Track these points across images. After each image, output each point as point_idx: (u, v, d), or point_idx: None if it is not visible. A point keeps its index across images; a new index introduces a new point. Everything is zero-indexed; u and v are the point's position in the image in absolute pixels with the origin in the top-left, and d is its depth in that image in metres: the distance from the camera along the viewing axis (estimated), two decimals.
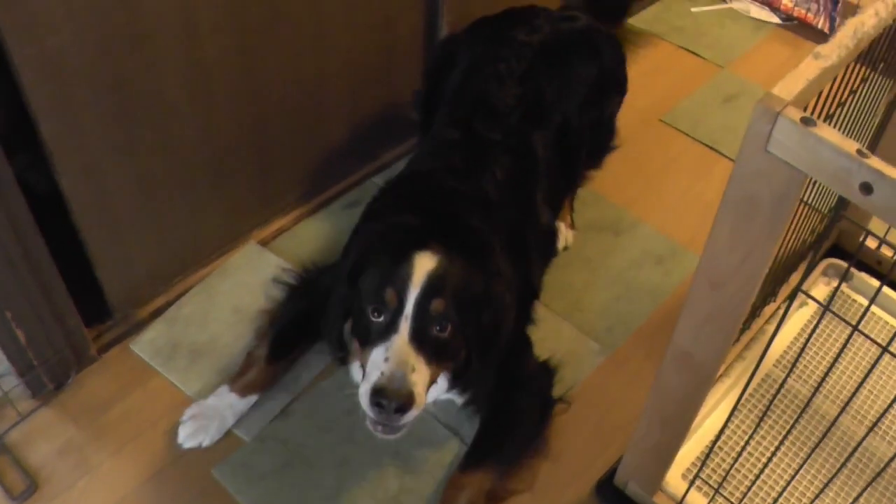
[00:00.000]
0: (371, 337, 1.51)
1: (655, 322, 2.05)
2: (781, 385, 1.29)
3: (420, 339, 1.48)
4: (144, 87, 1.64)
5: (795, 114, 0.99)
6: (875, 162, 0.94)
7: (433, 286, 1.49)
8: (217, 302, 1.99)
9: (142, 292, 1.94)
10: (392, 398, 1.42)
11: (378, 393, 1.43)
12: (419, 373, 1.46)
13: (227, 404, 1.77)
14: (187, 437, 1.74)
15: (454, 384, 1.67)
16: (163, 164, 1.78)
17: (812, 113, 1.26)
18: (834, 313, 1.14)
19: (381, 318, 1.50)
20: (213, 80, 1.77)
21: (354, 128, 2.23)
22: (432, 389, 1.58)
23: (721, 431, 1.45)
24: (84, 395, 1.82)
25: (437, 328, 1.50)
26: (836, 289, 1.15)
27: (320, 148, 2.18)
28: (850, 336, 1.12)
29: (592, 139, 2.17)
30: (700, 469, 1.54)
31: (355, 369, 1.69)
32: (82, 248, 1.75)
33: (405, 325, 1.48)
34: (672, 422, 1.45)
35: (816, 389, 1.25)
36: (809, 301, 1.98)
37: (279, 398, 1.83)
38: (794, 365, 1.29)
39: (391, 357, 1.46)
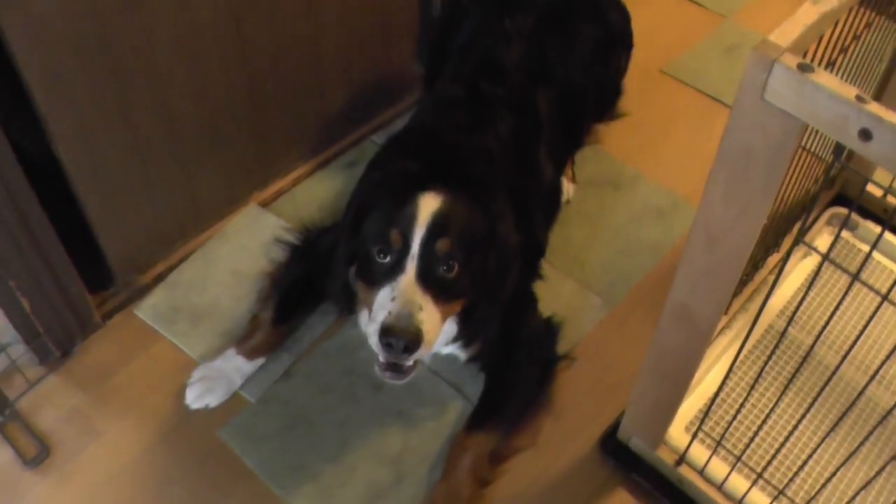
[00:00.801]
0: (377, 278, 1.51)
1: (657, 276, 2.04)
2: (782, 335, 1.28)
3: (426, 279, 1.48)
4: (135, 51, 1.62)
5: (792, 60, 0.97)
6: (874, 107, 0.92)
7: (438, 226, 1.49)
8: (217, 266, 1.99)
9: (143, 258, 1.95)
10: (400, 336, 1.42)
11: (386, 332, 1.43)
12: (427, 312, 1.46)
13: (235, 367, 1.78)
14: (195, 398, 1.76)
15: (461, 331, 1.66)
16: (157, 129, 1.77)
17: (812, 60, 1.24)
18: (834, 262, 1.13)
19: (387, 259, 1.50)
20: (205, 42, 1.75)
21: (351, 87, 2.21)
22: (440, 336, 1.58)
23: (722, 384, 1.44)
24: (90, 360, 1.84)
25: (444, 268, 1.50)
26: (836, 237, 1.14)
27: (317, 109, 2.16)
28: (850, 284, 1.11)
29: (598, 96, 2.16)
30: (702, 422, 1.54)
31: (363, 318, 1.69)
32: (83, 215, 1.75)
33: (411, 265, 1.48)
34: (672, 377, 1.45)
35: (817, 338, 1.24)
36: (813, 252, 1.97)
37: (282, 360, 1.83)
38: (794, 315, 1.28)
39: (398, 296, 1.46)
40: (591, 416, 1.79)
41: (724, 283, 1.23)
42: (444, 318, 1.53)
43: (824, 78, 0.95)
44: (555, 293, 1.98)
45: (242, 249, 2.02)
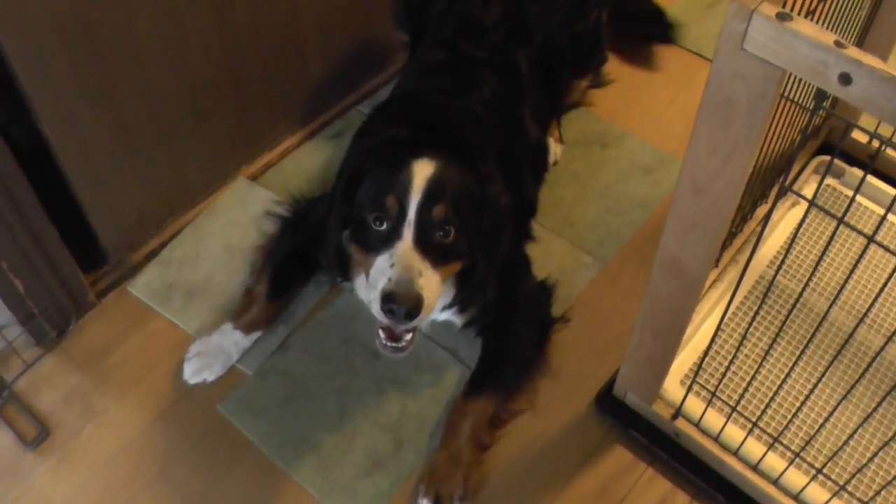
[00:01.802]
0: (373, 244, 1.51)
1: (647, 232, 2.05)
2: (771, 283, 1.29)
3: (424, 244, 1.49)
4: (114, 31, 1.61)
5: (770, 9, 0.97)
6: (853, 52, 0.92)
7: (433, 192, 1.49)
8: (209, 241, 1.99)
9: (135, 235, 1.95)
10: (402, 302, 1.42)
11: (388, 298, 1.43)
12: (426, 277, 1.46)
13: (232, 342, 1.79)
14: (193, 373, 1.77)
15: (458, 295, 1.67)
16: (140, 107, 1.77)
17: (791, 9, 1.24)
18: (819, 207, 1.14)
19: (384, 226, 1.50)
20: (184, 18, 1.74)
21: (333, 59, 2.19)
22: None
23: (715, 335, 1.46)
24: (86, 340, 1.84)
25: (440, 233, 1.51)
26: (821, 182, 1.14)
27: (300, 81, 2.15)
28: (836, 228, 1.12)
29: (578, 51, 2.15)
30: (696, 374, 1.56)
31: (360, 285, 1.69)
32: (72, 195, 1.75)
33: (408, 232, 1.48)
34: (664, 331, 1.46)
35: (806, 284, 1.25)
36: (801, 201, 1.98)
37: (277, 332, 1.84)
38: (782, 262, 1.29)
39: (397, 263, 1.46)
40: (587, 374, 1.80)
41: (713, 233, 1.24)
42: (442, 282, 1.53)
43: (803, 25, 0.95)
44: (546, 254, 1.99)
45: (233, 224, 2.02)
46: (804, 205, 1.98)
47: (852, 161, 2.05)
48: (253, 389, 1.76)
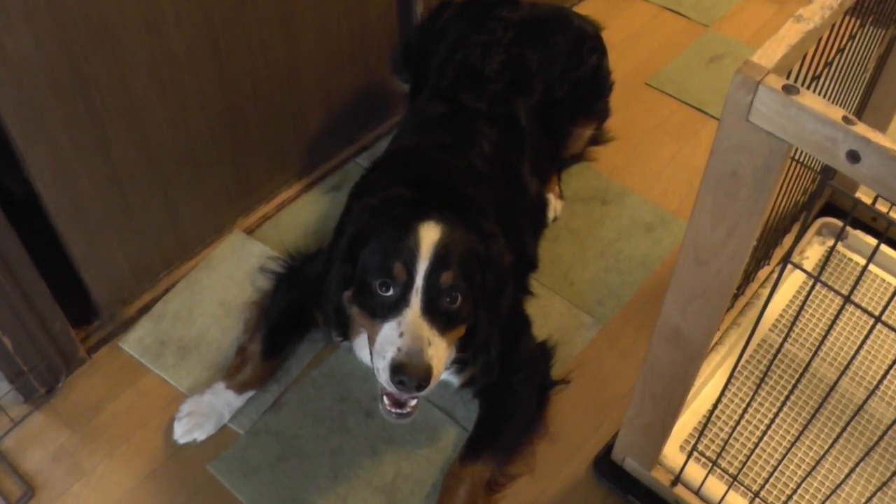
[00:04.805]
0: (379, 311, 1.48)
1: (647, 292, 2.03)
2: (778, 351, 1.26)
3: (432, 312, 1.46)
4: (111, 85, 1.60)
5: (777, 82, 0.95)
6: (861, 129, 0.90)
7: (441, 258, 1.47)
8: (203, 296, 1.96)
9: (127, 290, 1.92)
10: (412, 374, 1.39)
11: (397, 369, 1.40)
12: (435, 346, 1.44)
13: (225, 402, 1.75)
14: (184, 433, 1.73)
15: (459, 354, 1.64)
16: (137, 160, 1.75)
17: (797, 77, 1.23)
18: (824, 283, 1.11)
19: (391, 293, 1.47)
20: (182, 72, 1.73)
21: (332, 110, 2.19)
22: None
23: (717, 402, 1.43)
24: (75, 397, 1.81)
25: (448, 300, 1.48)
26: (827, 257, 1.12)
27: (298, 133, 2.14)
28: (841, 307, 1.09)
29: (575, 95, 2.14)
30: (697, 441, 1.52)
31: (359, 346, 1.67)
32: (64, 250, 1.72)
33: (416, 299, 1.45)
34: (664, 399, 1.43)
35: (813, 355, 1.22)
36: (804, 262, 1.96)
37: (270, 390, 1.81)
38: (789, 331, 1.26)
39: (406, 332, 1.43)
40: (585, 437, 1.77)
41: (715, 305, 1.21)
42: (448, 348, 1.51)
43: (810, 99, 0.93)
44: (545, 312, 1.96)
45: (228, 278, 1.99)
46: (807, 267, 1.95)
47: (856, 222, 2.03)
48: (244, 449, 1.72)
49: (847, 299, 1.06)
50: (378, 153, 2.27)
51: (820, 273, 1.08)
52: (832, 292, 1.89)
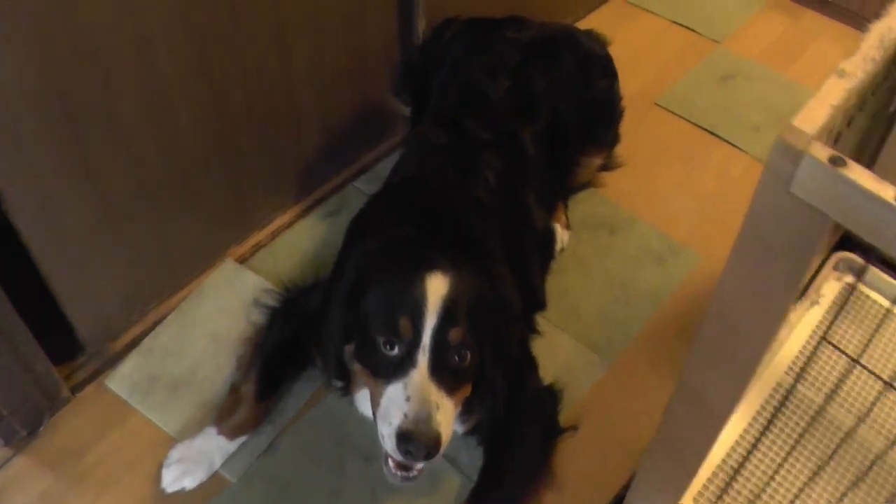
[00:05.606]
0: (384, 370, 1.39)
1: (656, 326, 1.96)
2: (789, 393, 1.19)
3: (440, 372, 1.37)
4: (97, 112, 1.51)
5: (822, 152, 0.87)
6: None
7: (450, 313, 1.37)
8: (195, 329, 1.88)
9: (115, 323, 1.83)
10: (421, 442, 1.31)
11: (405, 437, 1.32)
12: (443, 410, 1.34)
13: (216, 447, 1.67)
14: (172, 480, 1.65)
15: (465, 405, 1.55)
16: (125, 189, 1.66)
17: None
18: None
19: (396, 351, 1.38)
20: (172, 95, 1.64)
21: (329, 133, 2.10)
22: None
23: (731, 454, 1.35)
24: (60, 439, 1.72)
25: (457, 358, 1.39)
26: (837, 312, 1.05)
27: (294, 156, 2.05)
28: (849, 370, 1.02)
29: (582, 120, 2.07)
30: (719, 498, 1.45)
31: (361, 400, 1.59)
32: (47, 285, 1.64)
33: (423, 359, 1.36)
34: (682, 459, 1.35)
35: (827, 399, 1.15)
36: (820, 300, 1.88)
37: (265, 432, 1.73)
38: (801, 371, 1.19)
39: (413, 396, 1.34)
40: (594, 484, 1.69)
41: (742, 372, 1.13)
42: (456, 409, 1.42)
43: (858, 173, 0.85)
44: (552, 350, 1.88)
45: (221, 311, 1.91)
46: (823, 305, 1.88)
47: (868, 251, 1.96)
48: (236, 497, 1.64)
49: (856, 362, 0.99)
50: (377, 176, 2.19)
51: (824, 333, 1.00)
52: (849, 332, 1.83)
